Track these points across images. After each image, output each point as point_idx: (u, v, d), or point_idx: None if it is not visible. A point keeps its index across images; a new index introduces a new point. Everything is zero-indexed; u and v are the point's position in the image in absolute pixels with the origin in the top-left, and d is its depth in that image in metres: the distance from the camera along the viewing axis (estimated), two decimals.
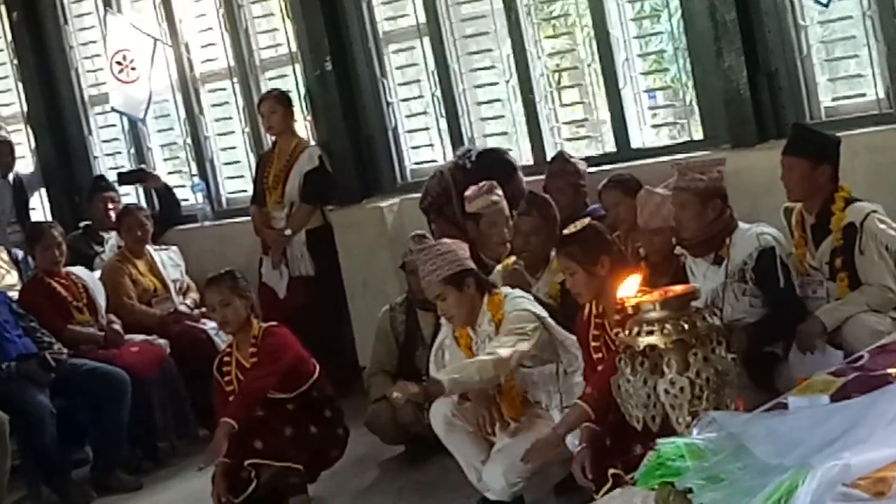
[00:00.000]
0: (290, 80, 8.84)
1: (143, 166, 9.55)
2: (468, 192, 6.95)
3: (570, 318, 5.58)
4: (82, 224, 9.04)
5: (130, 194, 9.55)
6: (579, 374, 5.46)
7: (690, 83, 7.43)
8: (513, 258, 6.45)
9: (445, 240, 5.87)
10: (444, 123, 8.14)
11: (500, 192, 6.87)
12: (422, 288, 6.61)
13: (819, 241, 5.74)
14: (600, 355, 5.00)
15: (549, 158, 7.48)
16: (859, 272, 5.59)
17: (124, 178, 9.27)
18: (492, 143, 8.01)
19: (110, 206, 8.91)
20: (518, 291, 5.66)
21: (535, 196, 6.62)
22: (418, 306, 6.73)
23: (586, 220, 5.22)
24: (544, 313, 5.54)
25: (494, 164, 7.37)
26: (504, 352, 5.28)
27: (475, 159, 7.44)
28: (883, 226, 5.60)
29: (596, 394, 4.89)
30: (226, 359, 6.26)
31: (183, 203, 9.51)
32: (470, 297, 5.52)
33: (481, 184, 6.95)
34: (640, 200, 6.11)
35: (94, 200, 9.02)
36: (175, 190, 9.51)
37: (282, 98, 8.31)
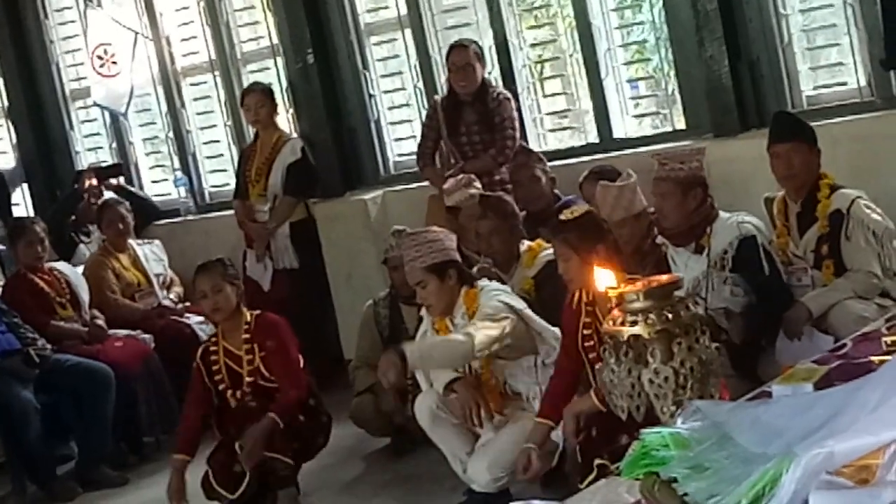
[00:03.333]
0: (272, 73, 8.84)
1: (118, 162, 9.54)
2: (446, 186, 6.98)
3: (547, 310, 5.57)
4: (70, 220, 8.97)
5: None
6: None
7: (672, 73, 7.45)
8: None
9: (435, 228, 5.86)
10: (426, 115, 8.13)
11: (478, 184, 6.89)
12: (405, 282, 6.63)
13: (804, 229, 5.75)
14: (592, 343, 4.99)
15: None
16: (845, 259, 5.61)
17: (101, 174, 9.22)
18: None
19: (93, 182, 8.86)
20: (494, 284, 5.65)
21: (488, 197, 6.61)
22: (402, 301, 6.74)
23: (584, 207, 5.20)
24: (521, 304, 5.53)
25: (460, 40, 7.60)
26: (473, 334, 5.20)
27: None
28: (869, 211, 5.61)
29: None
30: (212, 349, 6.19)
31: (165, 197, 9.50)
32: (450, 288, 5.52)
33: (459, 177, 6.96)
34: (598, 196, 6.12)
35: (81, 179, 8.96)
36: (156, 185, 9.50)
37: (267, 91, 8.30)
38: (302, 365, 6.25)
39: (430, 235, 5.65)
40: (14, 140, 10.16)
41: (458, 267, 5.58)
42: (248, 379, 6.08)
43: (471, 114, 7.47)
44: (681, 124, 7.46)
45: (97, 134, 9.99)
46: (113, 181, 9.25)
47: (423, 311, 5.80)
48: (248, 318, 6.16)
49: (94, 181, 8.89)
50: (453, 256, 5.60)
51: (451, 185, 6.93)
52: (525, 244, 6.36)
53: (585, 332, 5.05)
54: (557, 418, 5.15)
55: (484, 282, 5.63)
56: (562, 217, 5.11)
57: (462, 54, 7.42)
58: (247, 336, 6.12)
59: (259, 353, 6.09)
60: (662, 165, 5.80)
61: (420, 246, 5.55)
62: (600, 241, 4.97)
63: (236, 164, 8.66)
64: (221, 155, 9.36)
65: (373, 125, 8.56)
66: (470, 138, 7.48)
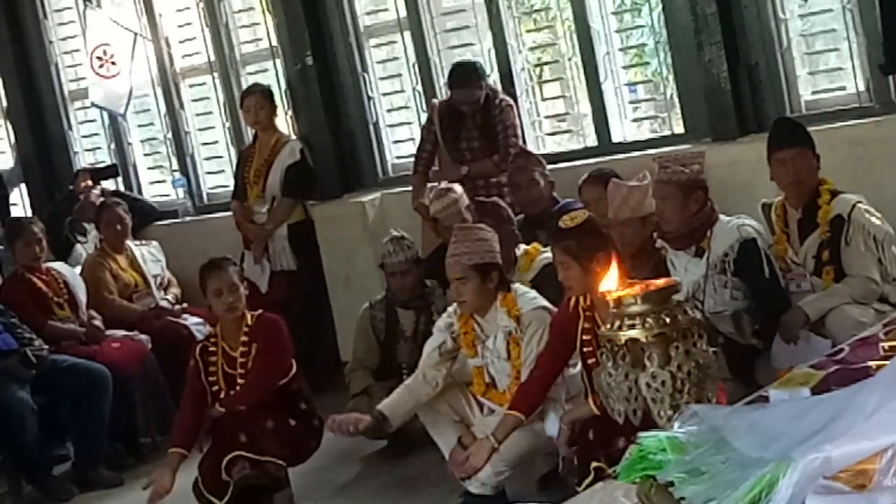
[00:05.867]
0: (271, 75, 8.84)
1: (114, 163, 9.54)
2: (429, 195, 6.96)
3: None
4: (67, 221, 8.95)
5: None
6: (572, 368, 5.44)
7: (671, 77, 7.45)
8: None
9: (486, 227, 5.84)
10: (425, 118, 8.12)
11: (454, 193, 6.84)
12: (401, 287, 6.64)
13: (805, 236, 5.74)
14: (591, 349, 4.98)
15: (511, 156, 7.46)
16: (844, 264, 5.60)
17: (97, 175, 9.19)
18: None
19: (89, 183, 8.87)
20: (525, 287, 5.68)
21: (483, 203, 6.61)
22: (398, 305, 6.73)
23: (584, 214, 5.18)
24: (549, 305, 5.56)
25: (463, 72, 7.53)
26: None
27: (448, 77, 7.60)
28: (869, 216, 5.61)
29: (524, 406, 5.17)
30: (211, 348, 6.16)
31: (164, 198, 9.50)
32: (489, 290, 5.53)
33: (440, 187, 6.92)
34: (609, 193, 6.13)
35: (77, 181, 8.96)
36: (155, 186, 9.49)
37: (267, 93, 8.28)
38: (287, 371, 6.17)
39: (481, 234, 5.65)
40: (12, 140, 10.15)
41: (500, 271, 5.59)
42: (241, 381, 6.07)
43: (471, 121, 7.48)
44: (679, 128, 7.46)
45: (96, 134, 9.99)
46: (110, 183, 9.24)
47: (437, 326, 5.79)
48: (250, 319, 6.14)
49: (90, 182, 8.89)
50: (497, 260, 5.60)
51: (431, 195, 6.93)
52: (521, 248, 6.36)
53: (585, 337, 5.04)
54: (527, 412, 5.19)
55: (516, 286, 5.64)
56: (561, 224, 5.10)
57: (468, 94, 7.42)
58: (245, 338, 6.09)
59: (253, 355, 6.07)
60: (664, 168, 5.80)
61: (471, 242, 5.57)
62: (601, 247, 4.94)
63: (235, 166, 8.65)
64: (220, 156, 9.36)
65: (371, 127, 8.56)
66: (469, 144, 7.48)
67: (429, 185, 7.15)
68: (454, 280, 5.57)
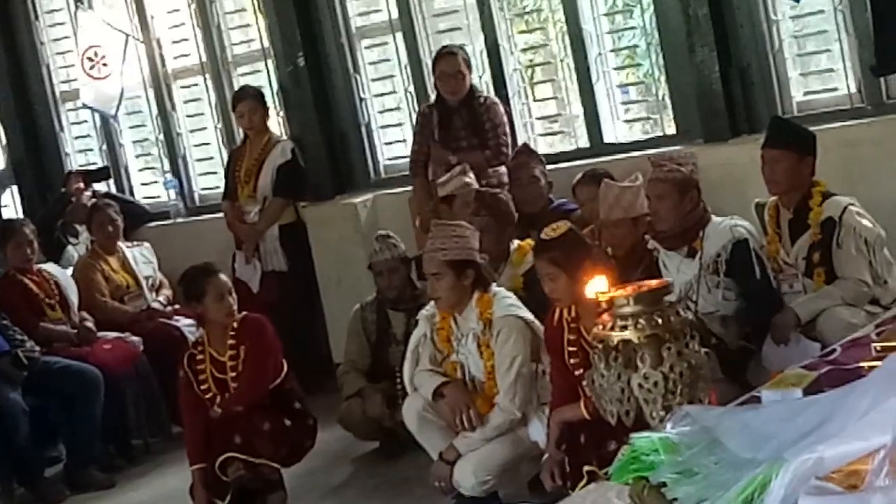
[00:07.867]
0: (263, 76, 8.83)
1: (106, 165, 9.53)
2: (441, 179, 6.99)
3: (538, 307, 5.56)
4: (59, 223, 8.93)
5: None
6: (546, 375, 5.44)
7: (663, 78, 7.45)
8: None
9: (466, 224, 5.84)
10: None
11: (471, 174, 6.88)
12: (390, 287, 6.65)
13: (796, 237, 5.75)
14: (577, 360, 4.96)
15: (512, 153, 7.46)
16: (835, 266, 5.61)
17: (89, 177, 9.16)
18: None
19: (81, 185, 8.86)
20: (505, 292, 5.65)
21: (483, 194, 6.62)
22: (388, 306, 6.74)
23: (566, 224, 5.16)
24: (530, 316, 5.52)
25: (448, 47, 7.59)
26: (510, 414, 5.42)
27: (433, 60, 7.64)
28: (860, 218, 5.62)
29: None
30: (199, 357, 6.15)
31: (155, 200, 9.48)
32: (464, 287, 5.50)
33: (458, 167, 6.98)
34: (601, 193, 6.14)
35: (69, 183, 8.94)
36: (146, 187, 9.47)
37: (259, 96, 8.27)
38: (278, 369, 6.17)
39: (458, 231, 5.65)
40: (3, 141, 10.14)
41: (476, 269, 5.57)
42: (233, 385, 6.05)
43: (459, 119, 7.47)
44: (671, 129, 7.46)
45: (87, 136, 9.97)
46: (101, 185, 9.23)
47: (420, 315, 5.78)
48: (235, 322, 6.12)
49: (82, 184, 8.88)
50: (475, 258, 5.58)
51: (446, 176, 6.96)
52: (515, 242, 6.37)
53: (571, 348, 5.02)
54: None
55: (496, 289, 5.62)
56: (543, 236, 5.08)
57: (451, 62, 7.41)
58: (232, 342, 6.08)
59: (242, 357, 6.06)
60: (660, 167, 5.80)
61: (447, 238, 5.56)
62: (586, 255, 4.93)
63: (225, 165, 8.64)
64: (212, 157, 9.34)
65: (363, 128, 8.55)
66: (459, 144, 7.47)
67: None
68: (429, 275, 5.57)
